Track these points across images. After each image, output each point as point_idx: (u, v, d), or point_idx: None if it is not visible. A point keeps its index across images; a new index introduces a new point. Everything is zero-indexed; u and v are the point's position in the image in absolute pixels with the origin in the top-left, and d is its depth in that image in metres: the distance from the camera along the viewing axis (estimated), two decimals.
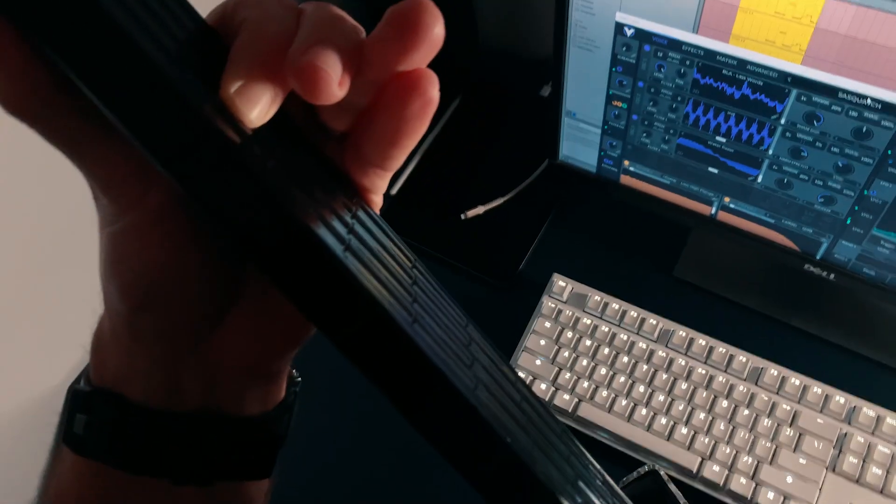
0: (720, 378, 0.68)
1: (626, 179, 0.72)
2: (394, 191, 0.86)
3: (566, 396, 0.70)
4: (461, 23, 0.88)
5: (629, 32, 0.59)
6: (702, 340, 0.70)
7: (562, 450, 0.23)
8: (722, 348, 0.69)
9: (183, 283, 0.21)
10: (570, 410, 0.69)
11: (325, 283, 0.18)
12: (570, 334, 0.72)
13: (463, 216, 0.83)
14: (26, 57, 0.18)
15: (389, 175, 0.23)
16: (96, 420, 0.23)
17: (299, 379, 0.29)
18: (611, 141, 0.69)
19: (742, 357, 0.69)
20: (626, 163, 0.70)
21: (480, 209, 0.83)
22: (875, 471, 0.62)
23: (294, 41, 0.19)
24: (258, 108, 0.19)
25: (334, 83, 0.18)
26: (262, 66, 0.19)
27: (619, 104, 0.65)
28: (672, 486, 0.39)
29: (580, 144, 0.71)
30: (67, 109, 0.19)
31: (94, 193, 0.21)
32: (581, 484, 0.22)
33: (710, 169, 0.65)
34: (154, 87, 0.17)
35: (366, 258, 0.19)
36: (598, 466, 0.25)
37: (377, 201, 0.24)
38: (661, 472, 0.40)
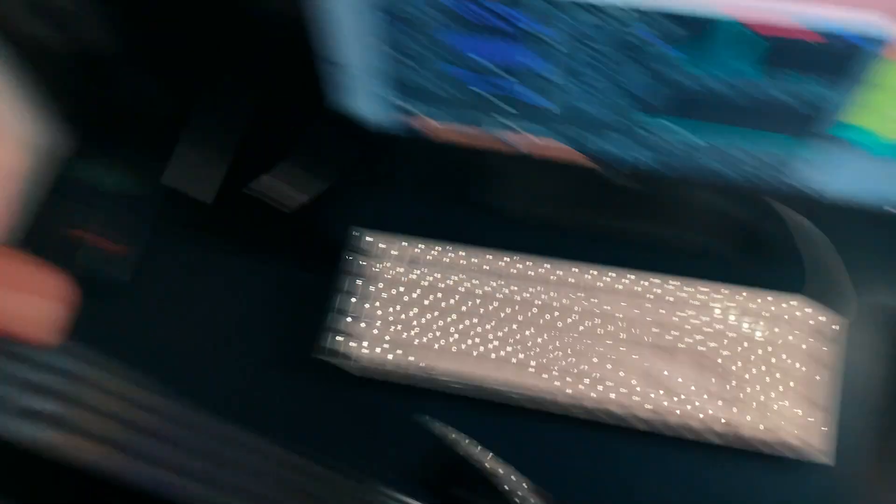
0: (543, 296, 0.67)
1: (410, 121, 0.67)
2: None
3: (401, 352, 0.65)
4: None
5: None
6: (519, 263, 0.68)
7: None
8: (544, 265, 0.68)
9: None
10: (397, 365, 0.65)
11: None
12: (382, 286, 0.68)
13: (247, 191, 0.75)
14: None
15: None
16: None
17: None
18: (380, 84, 0.64)
19: (574, 269, 0.67)
20: (402, 103, 0.65)
21: (265, 179, 0.76)
22: (699, 347, 0.64)
23: None
24: None
25: None
26: None
27: (383, 44, 0.60)
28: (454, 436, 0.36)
29: (352, 94, 0.66)
30: None
31: None
32: None
33: (489, 97, 0.62)
34: None
35: None
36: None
37: None
38: (439, 425, 0.37)
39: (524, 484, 0.37)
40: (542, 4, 0.52)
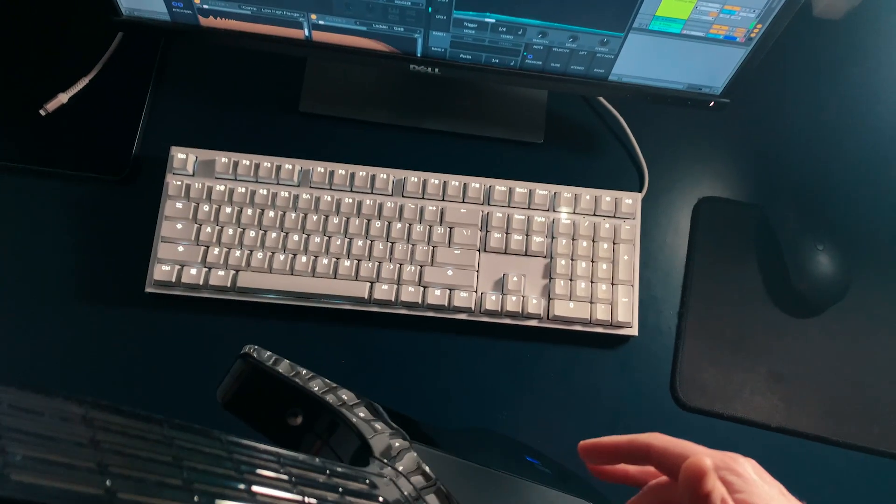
0: (368, 201, 0.67)
1: (205, 21, 0.63)
2: None
3: (221, 273, 0.64)
4: None
5: None
6: (341, 170, 0.68)
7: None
8: (362, 171, 0.68)
9: None
10: (228, 285, 0.64)
11: None
12: (206, 207, 0.66)
13: (43, 112, 0.69)
14: None
15: None
16: None
17: None
18: None
19: (382, 174, 0.68)
20: (197, 0, 0.61)
21: (63, 97, 0.70)
22: (517, 237, 0.68)
23: None
24: None
25: None
26: None
27: None
28: (265, 360, 0.37)
29: None
30: None
31: None
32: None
33: None
34: None
35: None
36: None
37: None
38: (252, 352, 0.37)
39: (346, 396, 0.38)
40: None
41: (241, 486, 0.23)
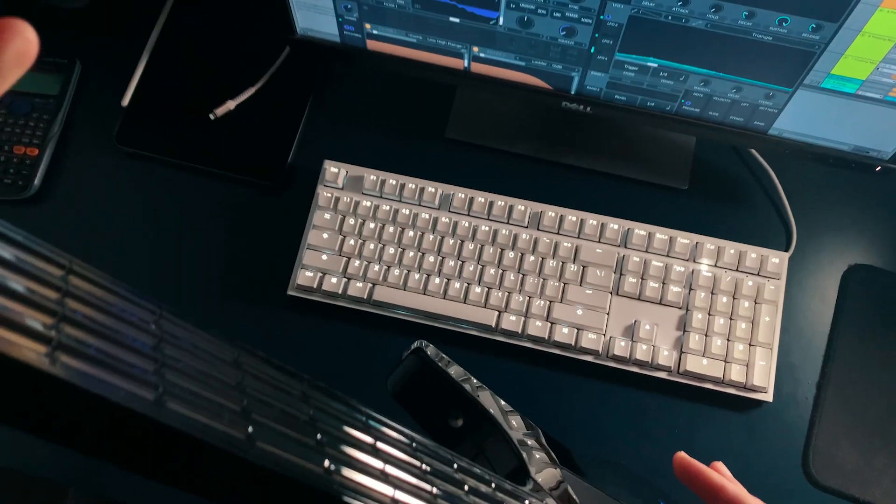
0: (504, 231, 0.68)
1: (372, 45, 0.66)
2: (124, 102, 0.75)
3: (359, 284, 0.67)
4: None
5: None
6: (480, 198, 0.69)
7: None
8: (500, 201, 0.69)
9: None
10: (365, 297, 0.67)
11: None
12: (351, 221, 0.69)
13: (212, 116, 0.74)
14: None
15: None
16: None
17: None
18: (345, 4, 0.62)
19: (521, 206, 0.69)
20: (368, 26, 0.64)
21: (231, 104, 0.75)
22: (652, 285, 0.66)
23: None
24: None
25: None
26: None
27: None
28: (438, 360, 0.38)
29: (315, 13, 0.64)
30: None
31: None
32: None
33: (451, 18, 0.61)
34: None
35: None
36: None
37: None
38: (427, 348, 0.38)
39: (510, 411, 0.39)
40: None
41: (376, 464, 0.22)
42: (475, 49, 0.64)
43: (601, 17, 0.57)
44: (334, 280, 0.67)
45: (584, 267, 0.67)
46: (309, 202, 0.71)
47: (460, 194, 0.69)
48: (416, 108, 0.76)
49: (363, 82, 0.78)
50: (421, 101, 0.76)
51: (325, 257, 0.68)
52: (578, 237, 0.68)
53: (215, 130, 0.74)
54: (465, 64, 0.66)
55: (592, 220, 0.68)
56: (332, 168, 0.70)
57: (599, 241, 0.68)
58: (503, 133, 0.75)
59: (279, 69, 0.76)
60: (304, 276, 0.67)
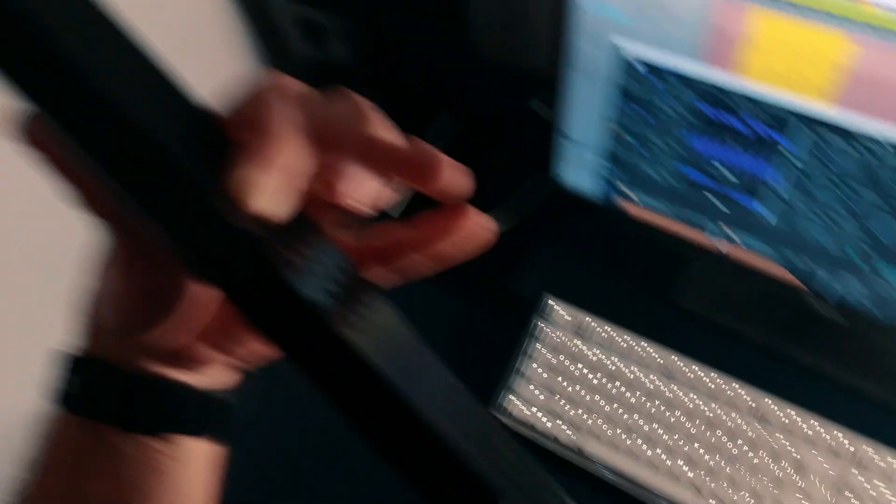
0: (722, 415, 0.66)
1: (624, 205, 0.70)
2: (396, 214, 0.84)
3: (565, 429, 0.68)
4: (452, 31, 0.86)
5: (634, 61, 0.57)
6: (703, 375, 0.68)
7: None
8: (724, 384, 0.67)
9: (143, 297, 0.27)
10: (570, 445, 0.67)
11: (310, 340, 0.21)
12: (567, 363, 0.71)
13: None
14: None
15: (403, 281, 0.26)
16: (85, 380, 0.30)
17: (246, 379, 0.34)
18: (608, 166, 0.66)
19: (743, 393, 0.67)
20: (625, 188, 0.68)
21: None
22: None
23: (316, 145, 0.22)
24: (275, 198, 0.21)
25: (344, 195, 0.23)
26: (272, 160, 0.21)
27: (618, 129, 0.63)
28: None
29: (576, 167, 0.69)
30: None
31: (109, 241, 0.28)
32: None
33: (714, 200, 0.62)
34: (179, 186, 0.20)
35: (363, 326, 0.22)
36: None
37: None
38: None
39: None
40: (795, 122, 0.53)
41: None
42: (730, 231, 0.65)
43: (875, 232, 0.56)
44: (542, 417, 0.69)
45: (800, 472, 0.63)
46: (521, 327, 0.73)
47: (682, 365, 0.69)
48: (649, 263, 0.78)
49: (599, 226, 0.80)
50: (655, 258, 0.78)
51: (534, 389, 0.70)
52: (799, 440, 0.64)
53: None
54: (716, 242, 0.67)
55: (819, 427, 0.64)
56: (557, 306, 0.73)
57: (821, 451, 0.64)
58: (737, 312, 0.74)
59: (522, 197, 0.82)
60: (514, 404, 0.69)
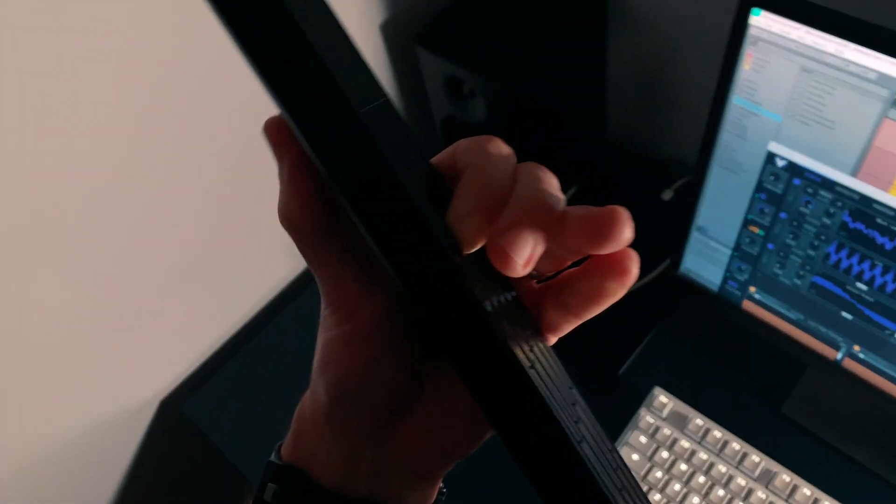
0: None
1: (748, 305, 0.69)
2: None
3: None
4: (590, 111, 0.89)
5: (781, 163, 0.58)
6: (806, 490, 0.66)
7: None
8: (827, 502, 0.65)
9: (375, 385, 0.25)
10: None
11: (514, 392, 0.21)
12: (665, 454, 0.70)
13: None
14: (314, 189, 0.23)
15: (579, 323, 0.25)
16: (283, 490, 0.27)
17: (444, 490, 0.30)
18: (740, 265, 0.67)
19: None
20: (752, 289, 0.68)
21: None
22: None
23: (505, 208, 0.22)
24: (476, 238, 0.22)
25: (519, 267, 0.21)
26: (480, 207, 0.22)
27: (756, 230, 0.63)
28: None
29: (705, 261, 0.69)
30: (328, 240, 0.24)
31: (322, 306, 0.25)
32: None
33: (844, 314, 0.62)
34: (407, 218, 0.21)
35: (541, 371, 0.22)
36: None
37: (553, 340, 0.26)
38: None
39: None
40: None
41: None
42: (856, 347, 0.63)
43: None
44: None
45: None
46: (627, 416, 0.73)
47: (784, 476, 0.67)
48: (760, 369, 0.76)
49: (713, 321, 0.80)
50: (768, 364, 0.76)
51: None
52: None
53: None
54: (838, 356, 0.65)
55: None
56: (661, 396, 0.73)
57: None
58: (845, 432, 0.71)
59: (644, 291, 0.82)
60: None
